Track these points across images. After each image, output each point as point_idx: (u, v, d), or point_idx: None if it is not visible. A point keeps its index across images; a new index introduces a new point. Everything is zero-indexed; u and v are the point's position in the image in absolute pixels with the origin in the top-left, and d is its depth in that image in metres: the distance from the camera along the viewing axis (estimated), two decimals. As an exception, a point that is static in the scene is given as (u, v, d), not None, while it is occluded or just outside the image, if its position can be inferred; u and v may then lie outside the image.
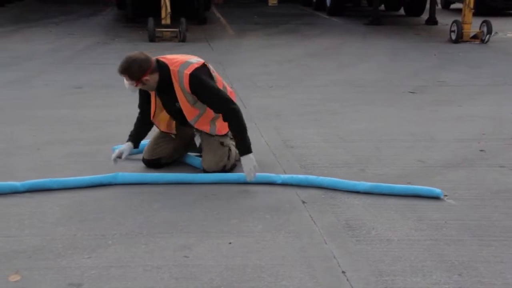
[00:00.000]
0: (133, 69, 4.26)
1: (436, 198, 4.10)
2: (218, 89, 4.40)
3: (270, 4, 20.75)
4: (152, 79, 4.34)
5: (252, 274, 3.09)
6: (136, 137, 4.65)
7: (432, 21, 15.22)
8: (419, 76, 8.70)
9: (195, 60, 4.45)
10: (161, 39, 11.76)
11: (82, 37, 12.30)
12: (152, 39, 11.61)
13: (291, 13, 17.96)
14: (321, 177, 4.33)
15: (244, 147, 4.31)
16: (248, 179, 4.27)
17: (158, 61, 4.38)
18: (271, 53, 10.87)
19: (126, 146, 4.56)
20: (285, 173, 4.53)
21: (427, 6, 16.16)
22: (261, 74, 8.79)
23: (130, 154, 4.63)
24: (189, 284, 2.98)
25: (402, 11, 18.32)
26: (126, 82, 4.34)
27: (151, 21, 11.64)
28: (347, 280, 3.05)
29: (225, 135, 4.61)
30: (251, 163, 4.27)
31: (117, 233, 3.54)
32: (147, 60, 4.31)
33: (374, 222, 3.73)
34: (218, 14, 17.18)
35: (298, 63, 9.89)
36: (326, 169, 4.67)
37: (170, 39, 11.77)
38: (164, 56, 4.51)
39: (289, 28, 14.47)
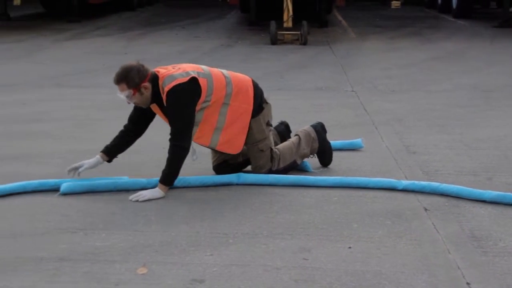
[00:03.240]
0: (131, 75, 4.08)
1: None
2: (183, 118, 4.13)
3: (392, 7, 20.39)
4: (150, 87, 4.13)
5: (372, 280, 3.05)
6: (112, 149, 4.34)
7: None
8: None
9: (181, 75, 4.14)
10: (283, 42, 11.87)
11: (207, 39, 12.64)
12: (274, 42, 11.74)
13: (415, 16, 17.57)
14: (444, 184, 4.21)
15: (163, 176, 4.13)
16: (130, 197, 4.07)
17: (152, 72, 4.19)
18: (393, 56, 10.69)
19: (93, 159, 4.31)
20: (407, 179, 4.44)
21: None
22: (383, 78, 8.66)
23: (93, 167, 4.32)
24: (308, 287, 2.99)
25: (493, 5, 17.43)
26: (121, 92, 4.12)
27: (273, 24, 11.77)
28: (472, 292, 2.95)
29: (262, 139, 4.42)
30: (154, 193, 4.09)
31: (238, 232, 3.61)
32: (144, 66, 4.15)
33: (502, 233, 3.57)
34: (339, 17, 17.10)
35: (421, 67, 9.67)
36: (450, 176, 4.53)
37: (291, 42, 11.86)
38: (158, 68, 4.28)
39: (412, 31, 14.16)
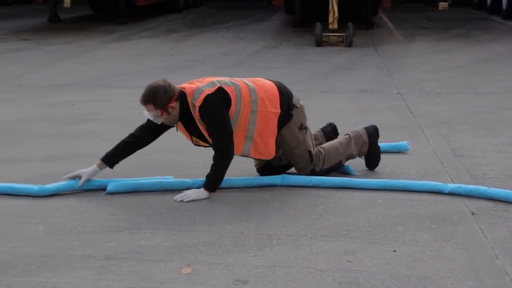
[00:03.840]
0: (158, 96, 4.04)
1: None
2: (222, 126, 4.12)
3: (440, 8, 20.11)
4: (177, 107, 4.11)
5: (417, 284, 3.02)
6: (113, 158, 4.26)
7: None
8: None
9: (207, 86, 4.14)
10: (328, 43, 11.83)
11: (252, 41, 12.68)
12: (319, 43, 11.71)
13: (462, 18, 17.30)
14: (492, 188, 4.14)
15: (208, 183, 4.15)
16: (175, 197, 4.11)
17: (179, 90, 4.15)
18: (440, 58, 10.55)
19: (90, 169, 4.22)
20: (453, 182, 4.38)
21: None
22: (429, 80, 8.56)
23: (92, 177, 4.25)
24: (352, 289, 2.98)
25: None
26: (149, 113, 4.10)
27: (318, 25, 11.74)
28: (520, 298, 2.90)
29: (297, 145, 4.39)
30: (199, 194, 4.11)
31: (282, 233, 3.61)
32: (171, 86, 4.11)
33: (552, 240, 3.50)
34: (385, 19, 16.96)
35: (469, 69, 9.52)
36: (498, 180, 4.46)
37: (336, 44, 11.81)
38: (184, 84, 4.25)
39: (460, 33, 13.96)
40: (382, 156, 4.81)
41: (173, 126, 4.33)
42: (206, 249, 3.40)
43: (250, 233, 3.62)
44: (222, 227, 3.71)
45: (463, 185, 4.24)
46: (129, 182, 4.28)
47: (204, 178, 4.20)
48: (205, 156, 4.44)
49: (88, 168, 4.25)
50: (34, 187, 4.16)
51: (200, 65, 9.76)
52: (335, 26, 11.94)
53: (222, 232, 3.63)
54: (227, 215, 3.89)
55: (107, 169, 4.28)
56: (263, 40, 12.80)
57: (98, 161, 4.28)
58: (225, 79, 4.33)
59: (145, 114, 4.17)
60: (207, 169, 4.19)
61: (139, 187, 4.27)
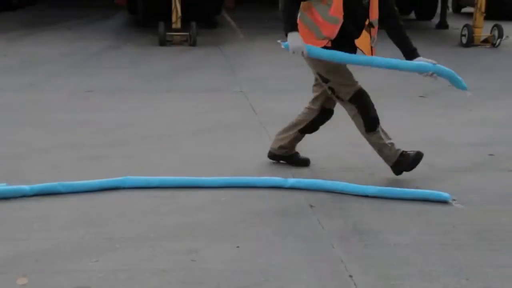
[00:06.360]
0: None
1: (444, 202, 4.08)
2: None
3: (281, 8, 20.69)
4: None
5: (259, 278, 3.09)
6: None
7: (442, 25, 15.16)
8: (430, 80, 8.64)
9: None
10: (172, 43, 11.78)
11: (94, 41, 12.33)
12: (163, 43, 11.64)
13: (302, 17, 17.91)
14: (329, 181, 4.33)
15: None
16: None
17: None
18: (282, 57, 10.79)
19: (302, 44, 4.35)
20: (294, 177, 4.53)
21: (438, 10, 16.10)
22: (272, 78, 8.78)
23: None
24: (196, 288, 2.99)
25: (413, 15, 18.27)
26: None
27: (161, 25, 11.67)
28: (354, 284, 3.05)
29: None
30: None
31: (124, 236, 3.55)
32: None
33: (382, 226, 3.72)
34: (228, 18, 17.19)
35: (309, 67, 9.85)
36: (335, 173, 4.66)
37: (180, 43, 11.79)
38: None
39: (300, 32, 14.44)
40: (224, 155, 4.86)
41: None
42: (44, 258, 3.26)
43: (92, 238, 3.52)
44: (62, 233, 3.58)
45: (302, 179, 4.39)
46: None
47: None
48: (45, 161, 4.24)
49: (298, 42, 4.39)
50: None
51: (37, 66, 9.35)
52: (179, 25, 11.91)
53: (62, 239, 3.49)
54: (67, 221, 3.75)
55: None
56: (105, 40, 12.49)
57: None
58: None
59: None
60: (45, 175, 4.01)
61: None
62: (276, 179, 4.39)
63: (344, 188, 4.25)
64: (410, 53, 4.35)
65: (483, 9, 12.04)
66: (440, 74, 4.29)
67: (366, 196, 4.16)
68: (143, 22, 14.26)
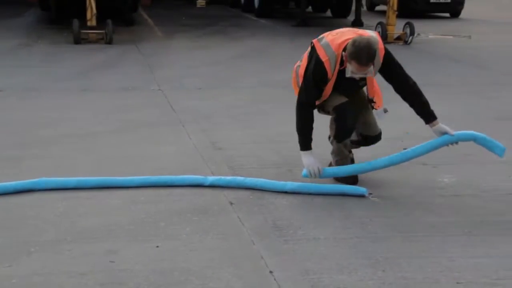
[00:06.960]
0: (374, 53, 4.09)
1: (361, 196, 4.17)
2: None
3: (198, 6, 20.67)
4: None
5: (179, 277, 3.07)
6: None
7: (358, 22, 15.49)
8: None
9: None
10: (87, 41, 11.54)
11: (3, 39, 11.92)
12: (78, 41, 11.38)
13: (220, 15, 17.95)
14: (249, 178, 4.35)
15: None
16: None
17: None
18: (199, 55, 10.83)
19: (315, 160, 4.30)
20: (213, 175, 4.52)
21: (353, 8, 16.46)
22: (190, 76, 8.75)
23: None
24: (115, 290, 2.94)
25: (329, 13, 18.60)
26: (369, 69, 4.12)
27: (75, 22, 11.41)
28: (275, 279, 3.07)
29: None
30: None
31: (40, 239, 3.45)
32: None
33: (302, 222, 3.76)
34: (145, 16, 17.00)
35: (227, 65, 9.90)
36: (254, 170, 4.68)
37: (96, 41, 11.56)
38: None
39: (218, 30, 14.46)
40: (146, 154, 4.79)
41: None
42: (-46, 265, 3.13)
43: (5, 242, 3.41)
44: (-27, 238, 3.44)
45: (222, 177, 4.39)
46: None
47: None
48: None
49: (312, 160, 4.27)
50: None
51: None
52: (94, 23, 11.68)
53: (-27, 244, 3.37)
54: (-22, 226, 3.62)
55: None
56: (16, 38, 12.10)
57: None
58: None
59: (367, 72, 4.12)
60: None
61: None
62: (196, 177, 4.37)
63: (264, 185, 4.27)
64: (428, 117, 4.40)
65: (395, 7, 12.40)
66: (475, 140, 4.26)
67: (286, 192, 4.20)
68: (56, 19, 13.90)
